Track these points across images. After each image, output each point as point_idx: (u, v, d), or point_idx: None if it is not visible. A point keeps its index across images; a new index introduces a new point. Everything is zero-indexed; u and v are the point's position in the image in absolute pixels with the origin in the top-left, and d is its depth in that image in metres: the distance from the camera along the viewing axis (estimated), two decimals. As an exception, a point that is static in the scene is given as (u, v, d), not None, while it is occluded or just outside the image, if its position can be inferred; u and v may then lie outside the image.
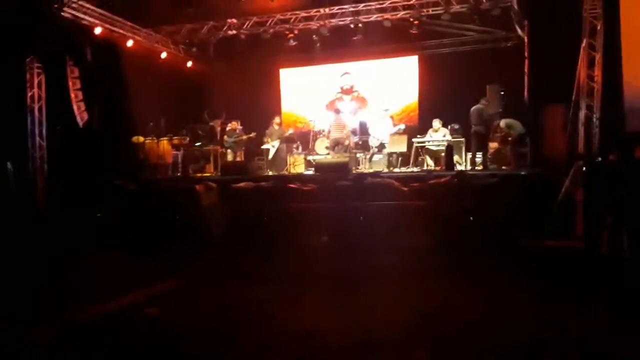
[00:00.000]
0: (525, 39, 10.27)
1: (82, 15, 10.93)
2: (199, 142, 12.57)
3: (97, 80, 11.23)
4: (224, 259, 7.21)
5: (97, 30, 11.36)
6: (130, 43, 12.32)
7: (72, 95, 10.74)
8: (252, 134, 12.60)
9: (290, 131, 13.30)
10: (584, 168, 7.19)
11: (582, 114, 8.54)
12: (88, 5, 10.95)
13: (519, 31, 10.82)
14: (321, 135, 12.70)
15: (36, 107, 10.47)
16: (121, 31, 12.06)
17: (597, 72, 8.46)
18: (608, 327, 4.16)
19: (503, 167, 10.23)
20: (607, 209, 5.77)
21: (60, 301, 5.27)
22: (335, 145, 11.77)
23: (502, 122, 10.40)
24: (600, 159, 7.05)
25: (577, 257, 6.02)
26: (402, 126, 12.11)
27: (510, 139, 10.37)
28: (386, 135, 11.93)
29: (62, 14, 10.41)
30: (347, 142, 11.79)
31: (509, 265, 6.38)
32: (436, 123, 11.37)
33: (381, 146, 11.98)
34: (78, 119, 10.79)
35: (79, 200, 9.03)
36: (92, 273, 6.66)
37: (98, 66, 11.28)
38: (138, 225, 8.49)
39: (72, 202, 9.16)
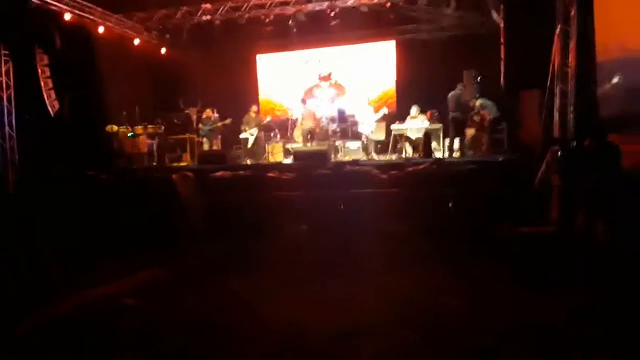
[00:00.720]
0: (501, 25, 10.32)
1: (50, 1, 10.58)
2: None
3: (67, 68, 10.93)
4: (202, 250, 7.13)
5: (67, 17, 11.03)
6: (101, 29, 12.00)
7: (42, 83, 10.45)
8: (228, 120, 12.44)
9: (268, 119, 13.20)
10: (560, 153, 7.29)
11: (557, 99, 8.65)
12: (56, -10, 10.63)
13: (495, 16, 10.85)
14: (298, 124, 12.65)
15: (4, 95, 10.16)
16: (91, 17, 11.74)
17: (571, 58, 8.56)
18: (584, 310, 4.24)
19: (473, 154, 10.39)
20: (582, 194, 5.85)
21: (35, 294, 5.15)
22: (309, 134, 11.75)
23: (478, 101, 10.53)
24: (575, 144, 7.15)
25: (553, 243, 6.11)
26: (385, 110, 12.04)
27: (485, 123, 10.49)
28: (371, 122, 11.85)
29: (30, -1, 10.09)
30: (317, 130, 11.78)
31: (487, 251, 6.45)
32: (414, 110, 11.39)
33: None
34: (49, 107, 10.52)
35: (51, 190, 8.82)
36: (66, 265, 6.52)
37: (68, 53, 10.98)
38: (113, 216, 8.34)
39: (44, 193, 8.94)
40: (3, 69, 10.14)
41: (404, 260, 6.11)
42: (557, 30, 8.60)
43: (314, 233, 7.47)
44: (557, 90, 8.65)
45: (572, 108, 8.55)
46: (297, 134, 12.37)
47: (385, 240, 7.21)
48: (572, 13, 8.52)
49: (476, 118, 10.70)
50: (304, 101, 12.69)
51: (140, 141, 12.05)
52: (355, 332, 3.90)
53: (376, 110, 11.95)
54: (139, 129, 12.04)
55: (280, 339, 3.84)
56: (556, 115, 8.66)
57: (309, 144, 11.62)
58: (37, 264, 6.63)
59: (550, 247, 5.97)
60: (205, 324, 4.20)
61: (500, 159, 9.12)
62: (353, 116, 12.46)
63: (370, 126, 11.72)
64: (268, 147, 12.24)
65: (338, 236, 6.89)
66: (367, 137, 11.70)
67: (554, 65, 8.70)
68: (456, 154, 10.52)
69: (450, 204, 6.98)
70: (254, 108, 12.75)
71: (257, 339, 3.88)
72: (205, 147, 12.41)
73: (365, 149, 11.70)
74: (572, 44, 8.52)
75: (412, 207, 7.07)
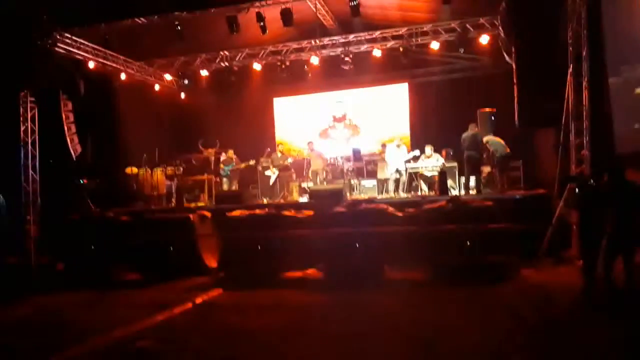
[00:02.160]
0: (514, 65, 10.45)
1: (75, 50, 11.07)
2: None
3: (90, 113, 11.31)
4: (218, 289, 7.12)
5: (91, 65, 11.48)
6: (123, 76, 12.44)
7: (66, 128, 10.79)
8: (252, 162, 12.67)
9: (290, 160, 13.39)
10: (577, 191, 7.23)
11: (572, 137, 8.64)
12: (81, 40, 11.10)
13: (507, 58, 11.02)
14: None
15: (29, 140, 10.48)
16: (114, 65, 12.21)
17: (585, 96, 8.60)
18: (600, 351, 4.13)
19: (490, 192, 10.37)
20: (601, 231, 5.76)
21: (52, 337, 5.18)
22: (316, 176, 11.90)
23: (485, 138, 10.59)
24: (592, 181, 7.10)
25: (570, 280, 6.00)
26: (417, 152, 11.86)
27: (495, 159, 10.52)
28: (402, 162, 11.66)
29: (56, 48, 10.54)
30: (327, 171, 12.04)
31: (504, 289, 6.36)
32: (428, 149, 11.45)
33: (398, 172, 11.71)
34: (71, 151, 10.82)
35: (72, 232, 8.97)
36: (84, 306, 6.57)
37: (91, 99, 11.38)
38: (131, 256, 8.42)
39: (64, 234, 9.09)
40: (29, 115, 10.51)
41: (419, 299, 6.04)
42: (570, 70, 8.68)
43: (330, 271, 7.44)
44: (572, 128, 8.66)
45: (588, 145, 8.53)
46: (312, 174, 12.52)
47: (401, 278, 7.16)
48: (584, 53, 8.62)
49: (485, 154, 10.71)
50: (310, 145, 12.88)
51: (159, 182, 12.25)
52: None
53: (409, 150, 12.03)
54: (157, 170, 12.28)
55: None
56: (572, 153, 8.64)
57: (325, 183, 11.69)
58: (55, 306, 6.70)
59: (570, 285, 5.88)
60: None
61: (517, 197, 9.07)
62: (380, 153, 12.41)
63: (398, 163, 11.62)
64: (291, 186, 12.38)
65: (353, 274, 6.85)
66: (398, 173, 11.60)
67: (568, 104, 8.74)
68: (472, 192, 10.48)
69: (468, 242, 6.91)
70: (280, 147, 12.97)
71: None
72: (225, 187, 12.61)
73: (383, 187, 11.73)
74: (585, 83, 8.58)
75: (428, 245, 7.02)
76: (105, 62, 11.90)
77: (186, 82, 13.82)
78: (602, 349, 4.14)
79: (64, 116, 10.83)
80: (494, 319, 5.09)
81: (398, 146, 11.92)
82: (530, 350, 4.23)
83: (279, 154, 12.69)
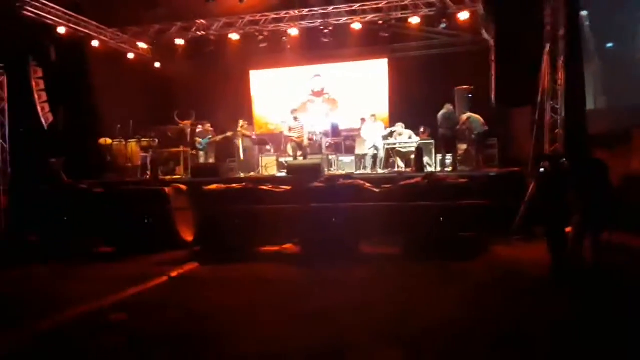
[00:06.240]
0: (492, 43, 10.49)
1: (45, 15, 10.66)
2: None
3: (62, 81, 10.98)
4: (193, 263, 7.11)
5: (61, 30, 11.09)
6: (95, 43, 12.07)
7: (36, 96, 10.47)
8: (229, 133, 12.54)
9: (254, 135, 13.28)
10: (550, 169, 7.37)
11: (547, 116, 8.78)
12: (51, 5, 10.69)
13: (486, 35, 11.04)
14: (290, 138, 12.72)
15: (-2, 108, 10.15)
16: (86, 31, 11.81)
17: (561, 76, 8.70)
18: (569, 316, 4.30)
19: (466, 169, 10.51)
20: (567, 209, 5.92)
21: (24, 308, 5.12)
22: (297, 148, 11.80)
23: (466, 115, 10.67)
24: (564, 160, 7.24)
25: (540, 256, 6.17)
26: (395, 127, 11.87)
27: (473, 136, 10.64)
28: (379, 138, 11.61)
29: (24, 12, 10.14)
30: (305, 144, 11.84)
31: (477, 264, 6.52)
32: (398, 127, 11.51)
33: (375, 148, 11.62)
34: (42, 120, 10.53)
35: (44, 203, 8.80)
36: (57, 278, 6.50)
37: (63, 66, 11.03)
38: (105, 229, 8.33)
39: (36, 205, 8.91)
40: (-3, 82, 10.15)
41: (394, 274, 6.14)
42: (546, 49, 8.76)
43: (306, 246, 7.49)
44: (547, 107, 8.78)
45: (562, 124, 8.68)
46: (291, 148, 12.43)
47: (376, 253, 7.27)
48: (561, 32, 8.69)
49: (463, 127, 10.77)
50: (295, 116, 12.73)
51: (134, 154, 12.06)
52: (343, 349, 3.85)
53: (386, 126, 12.01)
54: (132, 142, 12.07)
55: (264, 357, 3.81)
56: (547, 131, 8.78)
57: (300, 158, 11.63)
58: (27, 277, 6.61)
59: (538, 261, 6.05)
60: (190, 341, 4.17)
61: (492, 174, 9.22)
62: (358, 130, 12.40)
63: (375, 139, 11.55)
64: (261, 160, 12.28)
65: (329, 249, 6.92)
66: (375, 149, 11.54)
67: (543, 83, 8.85)
68: (448, 169, 10.60)
69: (442, 218, 7.03)
70: (240, 122, 12.79)
71: (239, 357, 3.85)
72: (202, 160, 12.48)
73: (361, 162, 11.76)
74: (561, 62, 8.68)
75: (403, 220, 7.11)
76: (76, 27, 11.50)
77: (162, 50, 13.49)
78: (560, 323, 4.29)
79: (33, 83, 10.50)
80: (462, 293, 5.21)
81: (373, 120, 11.86)
82: (492, 323, 4.36)
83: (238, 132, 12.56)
